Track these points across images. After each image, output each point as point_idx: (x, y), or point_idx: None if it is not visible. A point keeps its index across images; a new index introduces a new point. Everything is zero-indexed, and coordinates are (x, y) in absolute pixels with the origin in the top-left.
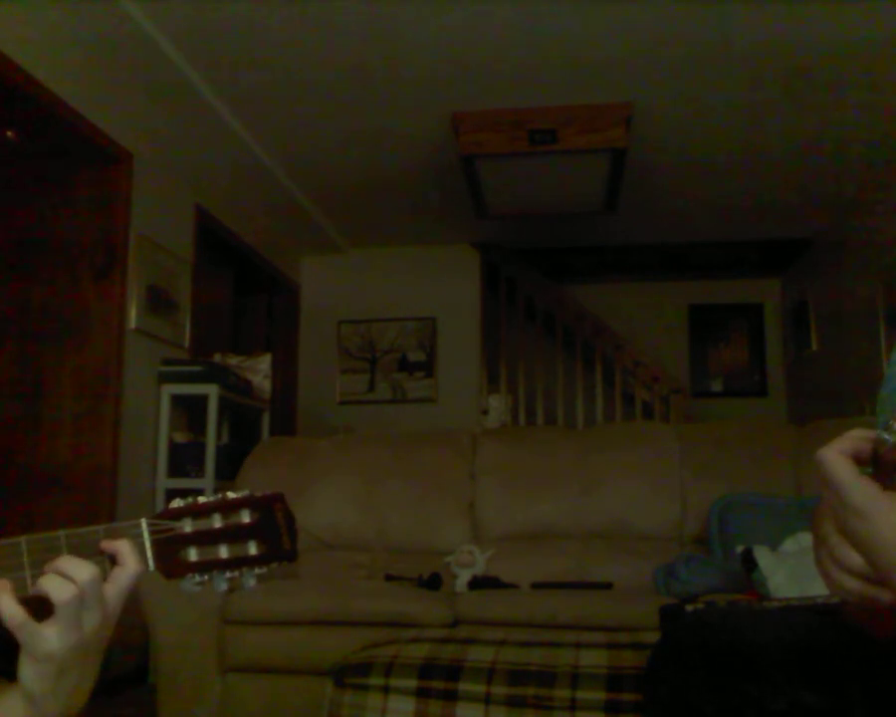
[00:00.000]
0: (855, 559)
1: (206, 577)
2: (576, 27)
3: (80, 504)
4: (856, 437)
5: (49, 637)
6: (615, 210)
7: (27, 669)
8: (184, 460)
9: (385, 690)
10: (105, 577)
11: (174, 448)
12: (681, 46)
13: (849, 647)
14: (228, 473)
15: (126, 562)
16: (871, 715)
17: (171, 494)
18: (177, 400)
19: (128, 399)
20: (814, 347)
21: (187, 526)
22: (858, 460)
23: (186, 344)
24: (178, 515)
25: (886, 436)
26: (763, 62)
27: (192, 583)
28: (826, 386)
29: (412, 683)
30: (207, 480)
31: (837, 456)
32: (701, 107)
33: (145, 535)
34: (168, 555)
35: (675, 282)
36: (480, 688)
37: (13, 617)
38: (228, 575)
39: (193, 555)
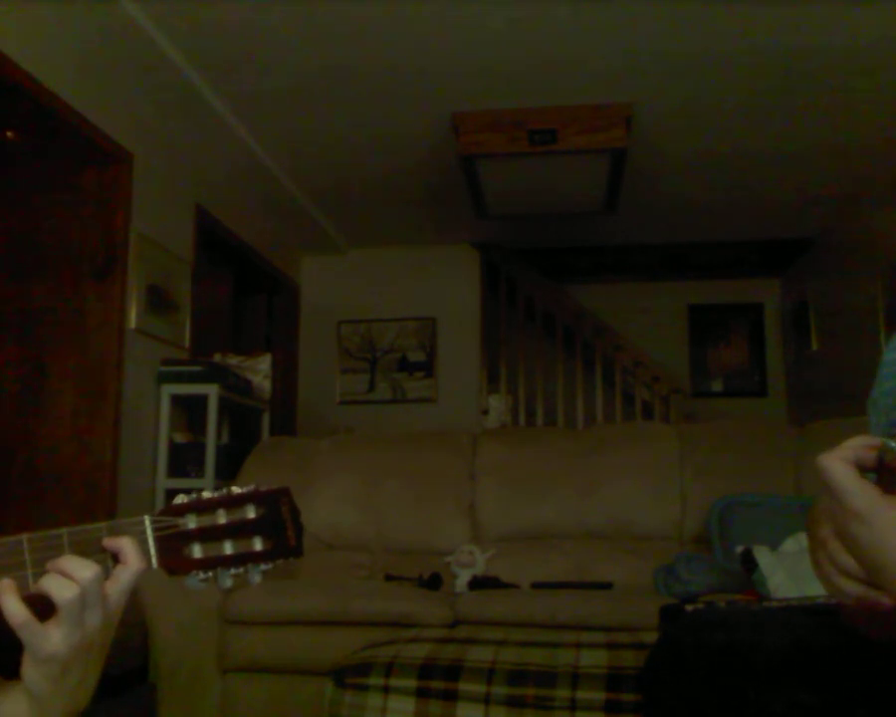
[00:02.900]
0: (855, 562)
1: (210, 573)
2: (576, 27)
3: (80, 504)
4: (858, 445)
5: (52, 637)
6: (615, 210)
7: (30, 669)
8: (184, 460)
9: (385, 690)
10: (107, 575)
11: (174, 448)
12: (681, 46)
13: (848, 648)
14: (228, 473)
15: (129, 560)
16: (872, 715)
17: (171, 494)
18: (177, 400)
19: (128, 399)
20: (814, 347)
21: (191, 522)
22: (860, 468)
23: (186, 344)
24: (182, 511)
25: (894, 444)
26: (762, 62)
27: (197, 579)
28: (826, 386)
29: (412, 683)
30: (207, 480)
31: (838, 463)
32: (701, 107)
33: (149, 532)
34: (172, 551)
35: (675, 282)
36: (480, 688)
37: (16, 617)
38: (233, 571)
39: (197, 551)
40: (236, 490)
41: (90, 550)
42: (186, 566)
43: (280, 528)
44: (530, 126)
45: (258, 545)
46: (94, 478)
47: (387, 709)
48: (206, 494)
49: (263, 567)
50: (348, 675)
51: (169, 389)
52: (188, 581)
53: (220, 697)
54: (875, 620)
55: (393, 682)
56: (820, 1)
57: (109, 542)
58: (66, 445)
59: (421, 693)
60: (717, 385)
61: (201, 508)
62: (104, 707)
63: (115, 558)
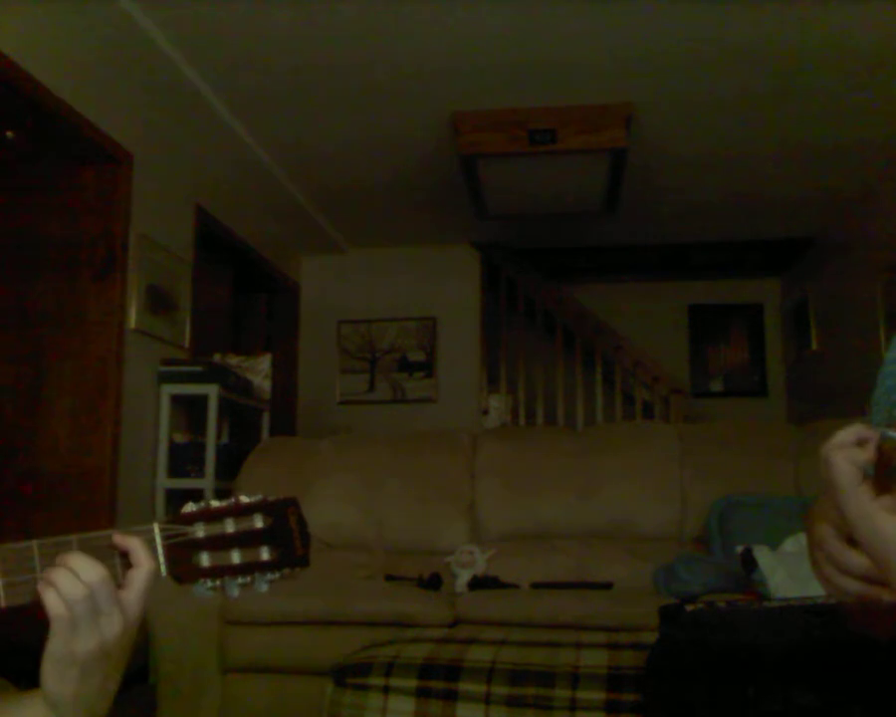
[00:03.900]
0: (855, 560)
1: (218, 582)
2: (576, 27)
3: (79, 504)
4: (855, 434)
5: (76, 638)
6: (615, 211)
7: (49, 672)
8: (184, 460)
9: (385, 690)
10: (118, 581)
11: (174, 448)
12: (681, 46)
13: (848, 648)
14: (228, 473)
15: (140, 561)
16: (869, 715)
17: (171, 494)
18: (177, 400)
19: (128, 399)
20: (814, 347)
21: (200, 531)
22: (865, 466)
23: (186, 344)
24: (191, 519)
25: (892, 433)
26: (762, 62)
27: (204, 588)
28: (826, 386)
29: (412, 683)
30: (207, 480)
31: (844, 464)
32: (701, 107)
33: (158, 539)
34: (180, 560)
35: (675, 282)
36: (480, 688)
37: (56, 608)
38: (240, 580)
39: (205, 560)
40: (244, 499)
41: (99, 556)
42: (194, 574)
43: (287, 538)
44: (530, 126)
45: (265, 554)
46: (94, 478)
47: (387, 709)
48: (214, 503)
49: (270, 576)
50: (348, 675)
51: (169, 389)
52: (196, 589)
53: (220, 697)
54: (875, 618)
55: (393, 682)
56: (821, 1)
57: (119, 539)
58: (66, 445)
59: (421, 693)
60: (717, 385)
61: (209, 517)
62: None
63: (126, 562)
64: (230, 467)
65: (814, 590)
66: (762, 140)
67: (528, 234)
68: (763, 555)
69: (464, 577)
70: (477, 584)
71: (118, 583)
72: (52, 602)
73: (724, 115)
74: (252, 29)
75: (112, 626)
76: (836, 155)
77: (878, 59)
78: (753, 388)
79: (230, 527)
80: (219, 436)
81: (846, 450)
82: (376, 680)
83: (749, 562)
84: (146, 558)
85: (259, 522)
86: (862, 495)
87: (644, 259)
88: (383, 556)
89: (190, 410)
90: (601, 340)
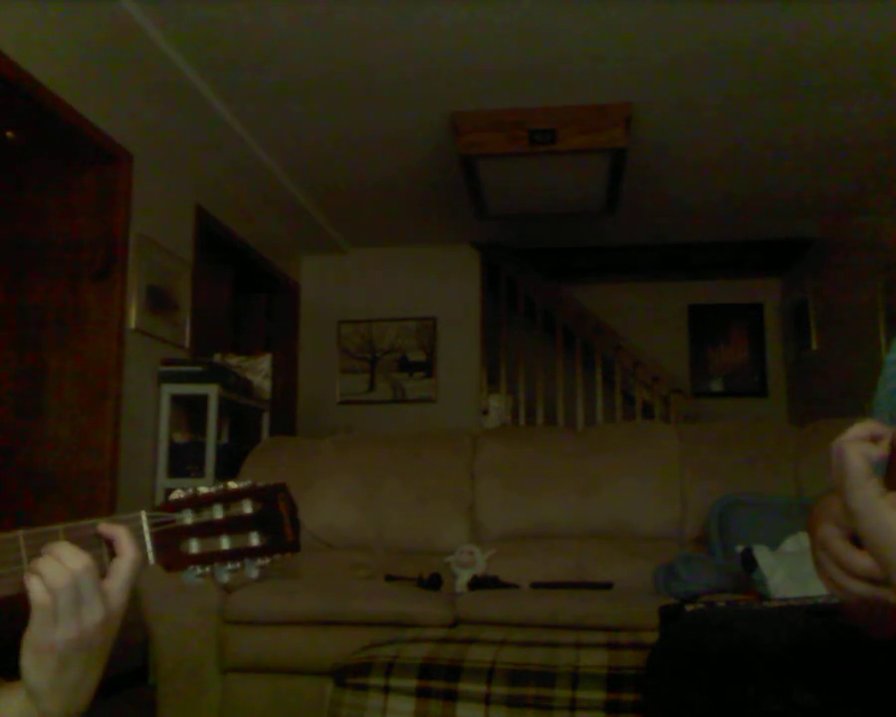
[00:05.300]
0: (860, 561)
1: (207, 568)
2: (576, 27)
3: (79, 504)
4: (869, 430)
5: (55, 627)
6: (615, 211)
7: (27, 660)
8: (184, 460)
9: (385, 690)
10: (104, 572)
11: (174, 448)
12: (681, 46)
13: (848, 648)
14: (228, 473)
15: (124, 550)
16: (870, 714)
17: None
18: (177, 400)
19: (128, 399)
20: (814, 347)
21: (188, 517)
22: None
23: (186, 344)
24: (179, 506)
25: None
26: (762, 62)
27: (194, 575)
28: (826, 386)
29: (412, 683)
30: (207, 480)
31: (857, 457)
32: (701, 106)
33: (145, 527)
34: (169, 547)
35: (675, 282)
36: (480, 688)
37: (40, 597)
38: (230, 566)
39: (194, 546)
40: (233, 485)
41: (86, 546)
42: (183, 561)
43: (277, 523)
44: (530, 126)
45: (255, 540)
46: (94, 478)
47: (387, 709)
48: (203, 489)
49: (260, 561)
50: (348, 675)
51: (169, 389)
52: (185, 576)
53: (220, 697)
54: (876, 618)
55: (393, 682)
56: (821, 1)
57: (104, 528)
58: (66, 445)
59: (421, 693)
60: (717, 385)
61: (198, 503)
62: (104, 707)
63: (112, 551)
64: (230, 467)
65: (815, 589)
66: (762, 140)
67: (528, 234)
68: (763, 555)
69: (464, 577)
70: (477, 584)
71: (103, 572)
72: (36, 590)
73: (724, 115)
74: (252, 29)
75: (94, 616)
76: (836, 155)
77: (878, 59)
78: (753, 388)
79: (219, 513)
80: (219, 436)
81: (860, 444)
82: (376, 680)
83: (749, 562)
84: (130, 547)
85: (248, 508)
86: (871, 489)
87: (644, 259)
88: (383, 556)
89: (190, 410)
90: (601, 340)
